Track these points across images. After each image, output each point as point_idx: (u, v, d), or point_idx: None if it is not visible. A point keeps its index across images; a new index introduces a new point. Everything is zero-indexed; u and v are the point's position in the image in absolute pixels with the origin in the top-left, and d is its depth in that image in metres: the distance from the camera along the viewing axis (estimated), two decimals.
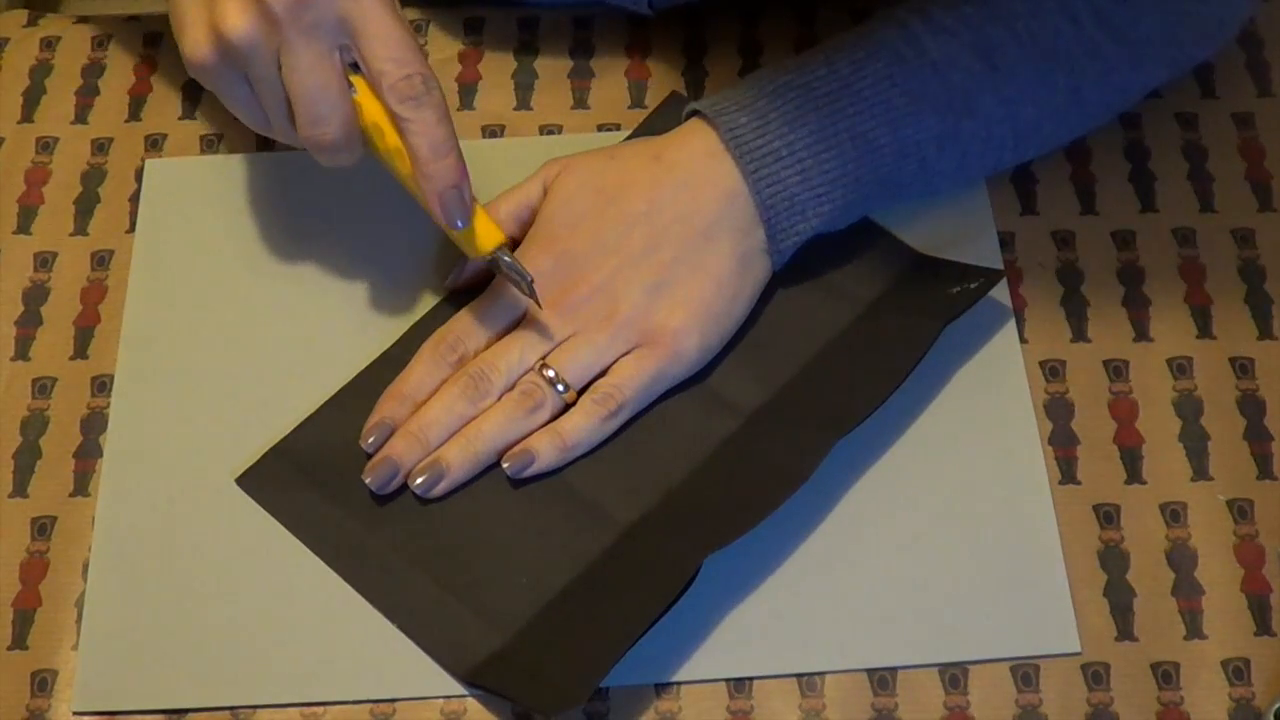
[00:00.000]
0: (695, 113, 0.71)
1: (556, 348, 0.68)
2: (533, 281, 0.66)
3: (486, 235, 0.66)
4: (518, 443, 0.67)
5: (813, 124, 0.69)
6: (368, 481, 0.66)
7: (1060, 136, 0.74)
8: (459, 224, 0.65)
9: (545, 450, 0.66)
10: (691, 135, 0.71)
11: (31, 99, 0.80)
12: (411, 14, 0.82)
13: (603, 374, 0.68)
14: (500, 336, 0.69)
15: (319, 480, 0.67)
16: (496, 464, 0.67)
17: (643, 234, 0.69)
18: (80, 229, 0.76)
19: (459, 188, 0.64)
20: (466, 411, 0.67)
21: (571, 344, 0.68)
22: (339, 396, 0.70)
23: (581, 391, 0.68)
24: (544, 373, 0.67)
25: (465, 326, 0.69)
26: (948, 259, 0.72)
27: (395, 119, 0.63)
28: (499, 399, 0.67)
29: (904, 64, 0.70)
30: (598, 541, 0.65)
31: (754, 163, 0.69)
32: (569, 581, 0.65)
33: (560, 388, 0.67)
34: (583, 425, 0.67)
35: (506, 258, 0.66)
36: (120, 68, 0.81)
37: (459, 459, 0.66)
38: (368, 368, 0.70)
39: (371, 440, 0.67)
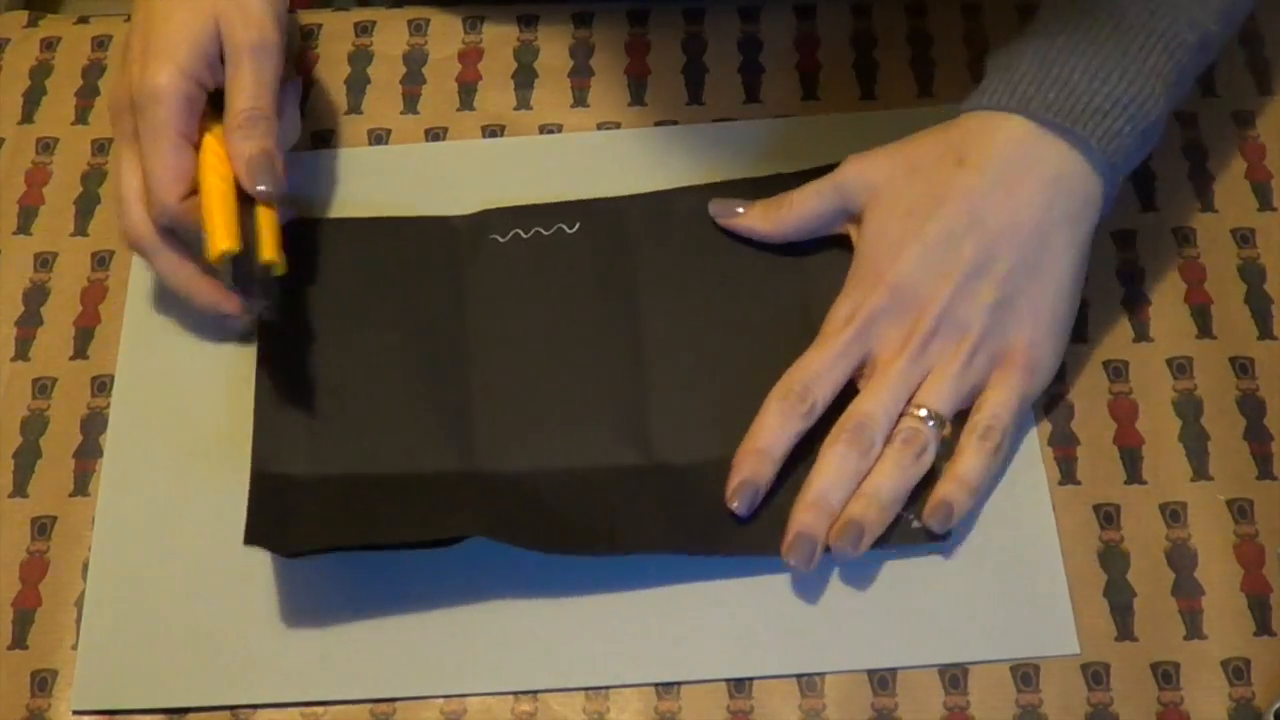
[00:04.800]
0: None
1: (920, 388, 0.66)
2: (265, 308, 0.68)
3: (221, 237, 0.67)
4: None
5: (1116, 66, 0.66)
6: (794, 559, 0.64)
7: None
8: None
9: (960, 498, 0.65)
10: (992, 128, 0.67)
11: (32, 99, 0.81)
12: (411, 13, 0.82)
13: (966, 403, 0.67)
14: (844, 380, 0.66)
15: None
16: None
17: (971, 249, 0.65)
18: (80, 229, 0.76)
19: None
20: (860, 467, 0.65)
21: (933, 381, 0.66)
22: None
23: (955, 423, 0.66)
24: (918, 414, 0.65)
25: (811, 375, 0.66)
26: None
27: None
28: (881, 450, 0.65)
29: None
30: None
31: (1090, 123, 0.65)
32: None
33: (934, 424, 0.65)
34: (978, 465, 0.65)
35: (231, 269, 0.67)
36: (120, 68, 0.81)
37: (874, 515, 0.64)
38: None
39: (738, 504, 0.65)
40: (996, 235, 0.66)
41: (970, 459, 0.65)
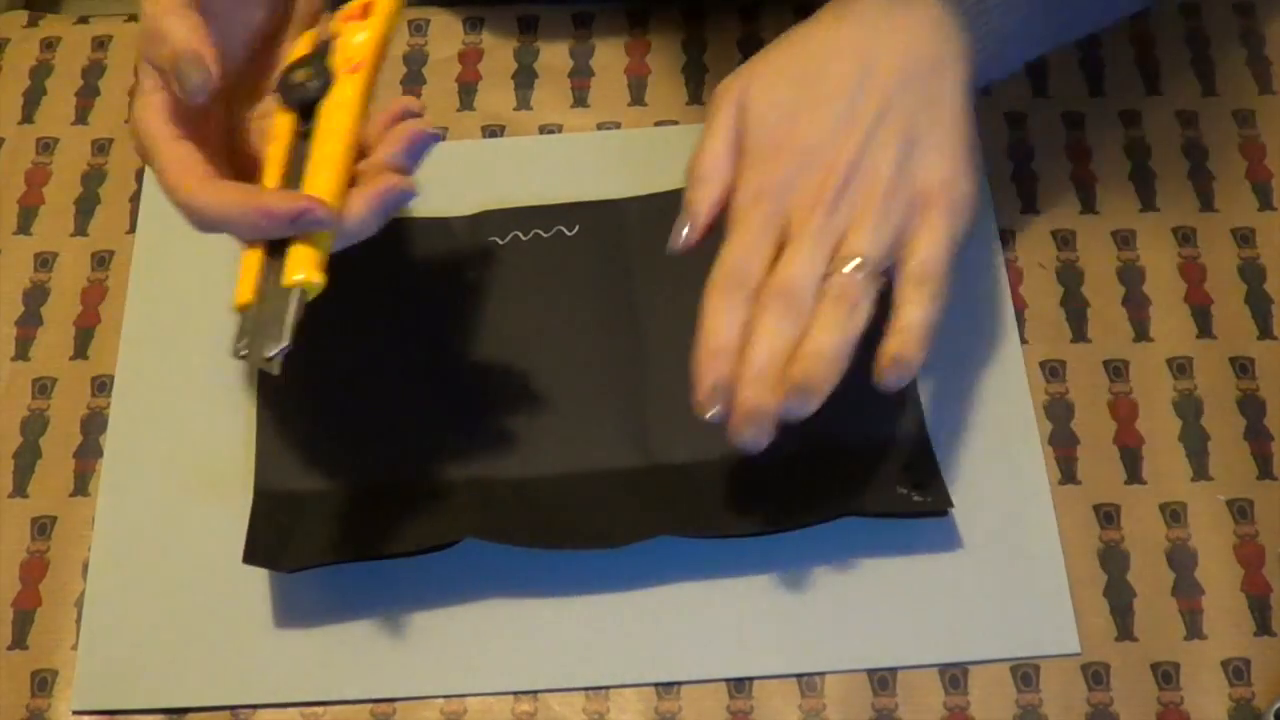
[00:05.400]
0: None
1: (842, 241, 0.62)
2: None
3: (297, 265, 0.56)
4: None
5: None
6: (745, 438, 0.61)
7: None
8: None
9: (909, 348, 0.61)
10: None
11: (32, 99, 0.80)
12: (412, 14, 0.82)
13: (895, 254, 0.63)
14: (775, 255, 0.63)
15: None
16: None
17: (869, 96, 0.63)
18: (80, 229, 0.76)
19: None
20: (793, 333, 0.61)
21: (854, 230, 0.62)
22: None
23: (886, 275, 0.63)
24: (845, 269, 0.61)
25: (738, 259, 0.62)
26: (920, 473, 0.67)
27: None
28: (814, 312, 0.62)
29: None
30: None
31: None
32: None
33: (863, 275, 0.61)
34: (920, 313, 0.61)
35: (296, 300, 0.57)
36: (120, 68, 0.81)
37: (820, 371, 0.60)
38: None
39: (714, 411, 0.61)
40: (889, 79, 0.64)
41: (911, 309, 0.61)
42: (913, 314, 0.61)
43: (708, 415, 0.61)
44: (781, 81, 0.65)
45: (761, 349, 0.61)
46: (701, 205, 0.65)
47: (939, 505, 0.65)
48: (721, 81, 0.66)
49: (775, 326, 0.61)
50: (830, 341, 0.61)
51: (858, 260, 0.61)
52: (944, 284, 0.62)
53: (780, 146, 0.64)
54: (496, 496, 0.66)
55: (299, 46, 0.61)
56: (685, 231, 0.65)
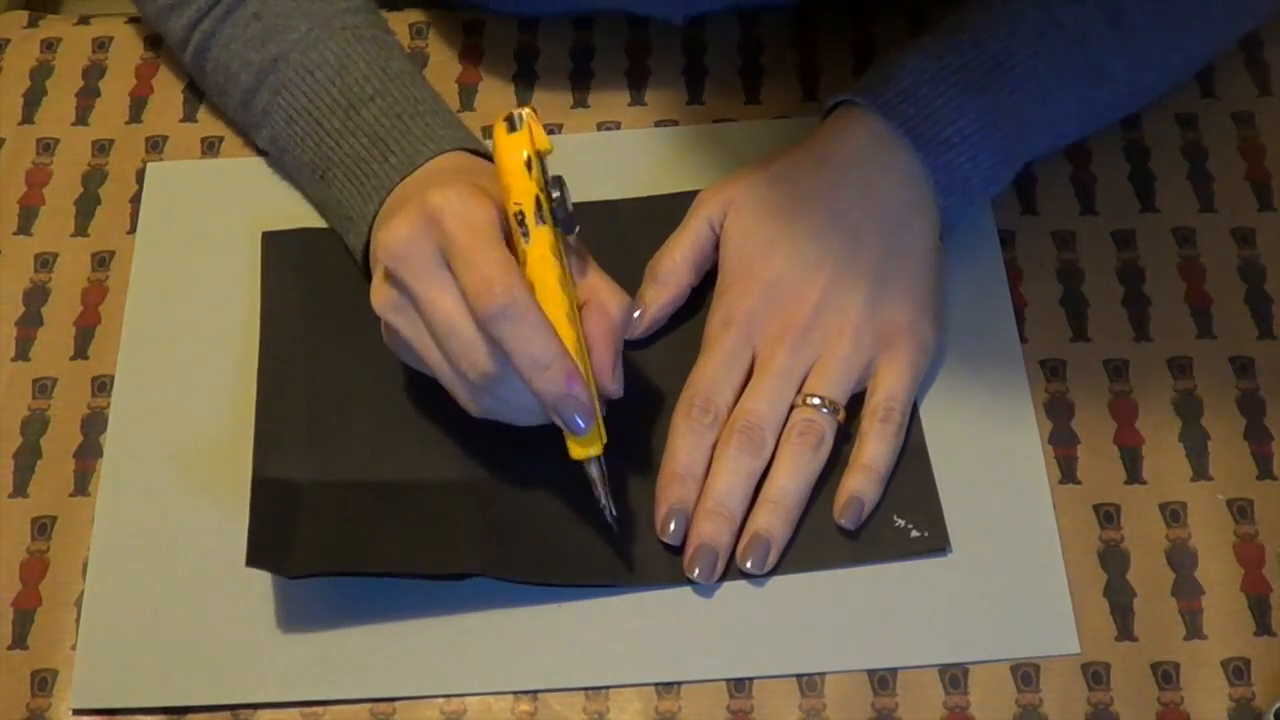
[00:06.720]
0: (842, 104, 0.71)
1: (808, 376, 0.67)
2: (614, 515, 0.64)
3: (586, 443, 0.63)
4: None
5: (976, 108, 0.69)
6: (694, 575, 0.64)
7: (1157, 95, 0.76)
8: (580, 427, 0.61)
9: (867, 489, 0.65)
10: (854, 126, 0.70)
11: (32, 100, 0.81)
12: (413, 16, 0.83)
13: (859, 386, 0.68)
14: (743, 383, 0.67)
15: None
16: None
17: (840, 239, 0.68)
18: (81, 230, 0.76)
19: (570, 396, 0.60)
20: (755, 467, 0.65)
21: (821, 368, 0.67)
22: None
23: (848, 408, 0.67)
24: (810, 403, 0.66)
25: (707, 385, 0.67)
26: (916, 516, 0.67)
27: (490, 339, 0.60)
28: (776, 444, 0.66)
29: (1045, 38, 0.70)
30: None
31: (931, 152, 0.69)
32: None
33: (828, 410, 0.66)
34: (883, 449, 0.66)
35: (596, 470, 0.63)
36: (121, 69, 0.82)
37: (779, 525, 0.65)
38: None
39: (672, 529, 0.65)
40: (861, 224, 0.68)
41: (874, 444, 0.66)
42: (875, 449, 0.66)
43: (665, 537, 0.65)
44: (759, 214, 0.69)
45: (721, 481, 0.65)
46: (652, 304, 0.70)
47: (936, 542, 0.65)
48: (705, 190, 0.71)
49: (736, 459, 0.65)
50: (792, 485, 0.65)
51: (818, 400, 0.66)
52: (905, 419, 0.67)
53: (753, 277, 0.68)
54: (499, 513, 0.66)
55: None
56: (634, 318, 0.69)
